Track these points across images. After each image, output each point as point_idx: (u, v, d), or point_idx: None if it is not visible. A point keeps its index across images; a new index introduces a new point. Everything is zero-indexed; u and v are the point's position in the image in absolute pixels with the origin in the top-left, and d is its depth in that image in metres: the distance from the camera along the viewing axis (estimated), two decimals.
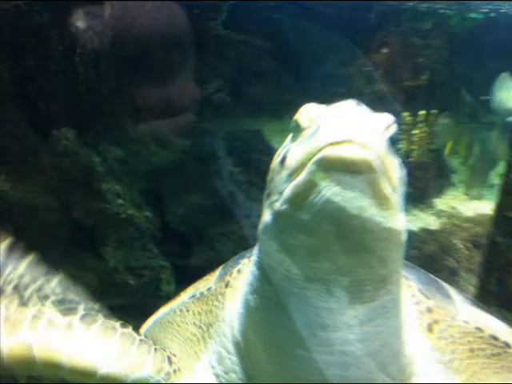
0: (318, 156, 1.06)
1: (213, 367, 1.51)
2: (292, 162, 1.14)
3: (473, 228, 3.65)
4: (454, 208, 4.36)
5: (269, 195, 1.24)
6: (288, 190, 1.12)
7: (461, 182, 4.93)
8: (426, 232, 3.80)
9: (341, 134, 1.06)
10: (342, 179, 1.05)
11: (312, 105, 1.23)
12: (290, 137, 1.27)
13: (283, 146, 1.29)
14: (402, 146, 4.49)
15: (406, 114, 4.49)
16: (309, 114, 1.20)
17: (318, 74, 4.38)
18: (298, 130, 1.20)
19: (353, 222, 1.08)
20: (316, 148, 1.07)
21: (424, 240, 3.61)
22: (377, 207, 1.09)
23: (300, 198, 1.10)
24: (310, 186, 1.08)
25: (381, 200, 1.09)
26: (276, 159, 1.26)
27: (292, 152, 1.16)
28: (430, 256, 3.34)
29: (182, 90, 3.42)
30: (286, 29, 4.21)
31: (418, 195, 4.42)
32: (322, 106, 1.20)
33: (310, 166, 1.07)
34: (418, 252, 3.38)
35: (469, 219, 3.92)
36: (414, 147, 4.60)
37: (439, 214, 4.19)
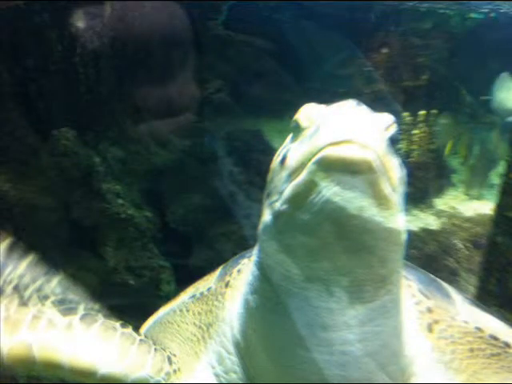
0: (318, 156, 1.06)
1: (213, 367, 1.51)
2: (292, 161, 1.14)
3: (473, 228, 3.65)
4: (454, 208, 4.36)
5: (269, 195, 1.23)
6: (288, 189, 1.12)
7: (461, 182, 4.93)
8: (426, 232, 3.80)
9: (341, 133, 1.05)
10: (342, 179, 1.05)
11: (312, 105, 1.22)
12: (289, 137, 1.26)
13: (283, 146, 1.28)
14: (402, 146, 4.49)
15: (405, 114, 4.49)
16: (309, 113, 1.19)
17: (318, 74, 4.37)
18: (298, 129, 1.20)
19: (353, 221, 1.08)
20: (316, 148, 1.07)
21: (424, 240, 3.61)
22: (377, 207, 1.09)
23: (300, 198, 1.10)
24: (310, 186, 1.07)
25: (381, 200, 1.09)
26: (276, 159, 1.26)
27: (292, 152, 1.16)
28: (430, 256, 3.34)
29: (182, 90, 3.42)
30: (286, 29, 4.21)
31: (418, 195, 4.42)
32: (322, 106, 1.19)
33: (310, 166, 1.07)
34: (418, 252, 3.38)
35: (469, 219, 3.92)
36: (414, 147, 4.60)
37: (439, 213, 4.19)
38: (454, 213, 4.17)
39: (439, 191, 4.78)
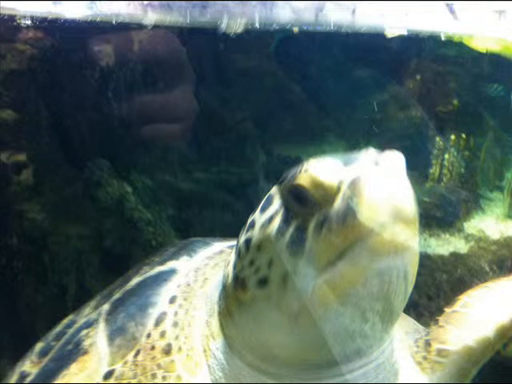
0: (363, 248, 0.96)
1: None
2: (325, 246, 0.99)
3: (499, 250, 3.62)
4: (482, 231, 4.30)
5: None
6: (323, 280, 1.00)
7: (496, 203, 4.84)
8: (456, 256, 3.75)
9: (384, 216, 0.95)
10: (386, 262, 0.98)
11: (317, 166, 1.03)
12: (276, 202, 1.08)
13: (267, 215, 1.09)
14: (434, 170, 4.48)
15: (438, 138, 4.49)
16: (320, 181, 1.01)
17: (352, 102, 4.36)
18: (303, 203, 1.02)
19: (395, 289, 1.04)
20: (355, 237, 0.96)
21: (454, 264, 3.58)
22: (411, 267, 1.05)
23: (341, 287, 1.01)
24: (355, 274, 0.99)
25: (415, 259, 1.06)
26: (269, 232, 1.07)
27: (313, 235, 1.00)
28: (459, 279, 3.32)
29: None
30: (318, 58, 4.23)
31: (448, 219, 4.37)
32: (332, 168, 1.02)
33: (355, 258, 0.98)
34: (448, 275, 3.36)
35: (496, 242, 3.87)
36: (445, 171, 4.57)
37: (468, 237, 4.14)
38: (483, 236, 4.12)
39: (469, 215, 4.72)
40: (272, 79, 4.14)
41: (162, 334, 1.22)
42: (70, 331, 1.48)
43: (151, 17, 2.44)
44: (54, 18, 2.54)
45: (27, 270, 3.11)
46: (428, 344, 1.39)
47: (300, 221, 1.02)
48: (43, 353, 1.49)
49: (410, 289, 1.09)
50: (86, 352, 1.27)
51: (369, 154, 1.05)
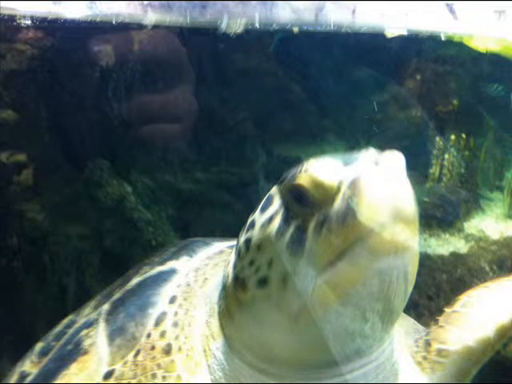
0: (364, 248, 0.96)
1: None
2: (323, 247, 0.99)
3: (499, 250, 3.63)
4: (482, 231, 4.30)
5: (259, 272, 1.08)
6: (324, 279, 1.00)
7: (496, 203, 4.84)
8: (456, 256, 3.76)
9: (384, 217, 0.95)
10: (386, 262, 0.99)
11: (317, 166, 1.04)
12: (276, 202, 1.09)
13: (268, 214, 1.09)
14: (434, 170, 4.48)
15: (438, 138, 4.50)
16: (319, 181, 1.02)
17: (351, 101, 4.37)
18: (304, 203, 1.03)
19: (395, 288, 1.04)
20: (356, 237, 0.96)
21: (454, 264, 3.58)
22: (411, 267, 1.05)
23: (340, 287, 1.01)
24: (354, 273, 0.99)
25: (414, 260, 1.06)
26: (270, 232, 1.07)
27: (313, 234, 1.01)
28: (459, 279, 3.33)
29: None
30: (317, 58, 4.24)
31: (448, 219, 4.37)
32: (331, 168, 1.03)
33: (355, 257, 0.98)
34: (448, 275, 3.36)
35: (496, 242, 3.88)
36: (445, 171, 4.58)
37: (468, 237, 4.15)
38: (482, 236, 4.12)
39: (469, 215, 4.72)
40: (272, 79, 4.14)
41: (162, 334, 1.23)
42: (70, 331, 1.49)
43: (151, 17, 2.44)
44: (54, 18, 2.54)
45: (27, 270, 3.11)
46: (428, 344, 1.40)
47: (300, 221, 1.03)
48: (43, 353, 1.49)
49: (410, 289, 1.10)
50: (86, 352, 1.28)
51: (369, 154, 1.06)
